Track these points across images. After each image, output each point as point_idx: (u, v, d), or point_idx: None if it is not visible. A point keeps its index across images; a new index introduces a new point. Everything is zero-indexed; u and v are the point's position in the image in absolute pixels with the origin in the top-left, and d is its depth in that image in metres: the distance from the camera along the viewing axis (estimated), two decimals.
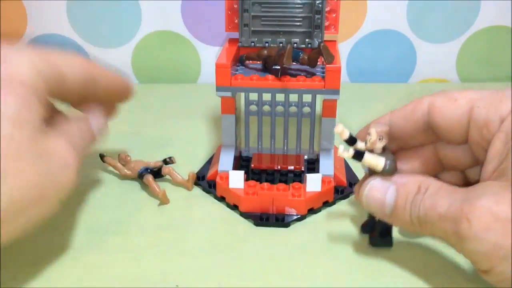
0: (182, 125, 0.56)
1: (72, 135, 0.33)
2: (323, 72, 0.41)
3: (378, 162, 0.32)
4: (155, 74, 0.70)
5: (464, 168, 0.34)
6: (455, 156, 0.33)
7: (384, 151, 0.32)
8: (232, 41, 0.44)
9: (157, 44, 0.68)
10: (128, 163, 0.45)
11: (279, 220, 0.39)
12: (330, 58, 0.38)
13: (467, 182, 0.34)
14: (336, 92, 0.40)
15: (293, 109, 0.45)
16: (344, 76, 0.70)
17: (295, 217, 0.39)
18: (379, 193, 0.31)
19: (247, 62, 0.44)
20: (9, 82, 0.28)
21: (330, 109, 0.42)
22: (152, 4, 0.66)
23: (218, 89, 0.40)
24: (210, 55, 0.69)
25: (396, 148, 0.35)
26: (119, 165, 0.45)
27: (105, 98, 0.38)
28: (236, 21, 0.43)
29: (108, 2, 0.66)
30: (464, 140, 0.31)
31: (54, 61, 0.32)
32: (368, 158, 0.32)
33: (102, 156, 0.46)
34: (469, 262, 0.29)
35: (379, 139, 0.32)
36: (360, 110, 0.59)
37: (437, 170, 0.35)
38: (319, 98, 0.42)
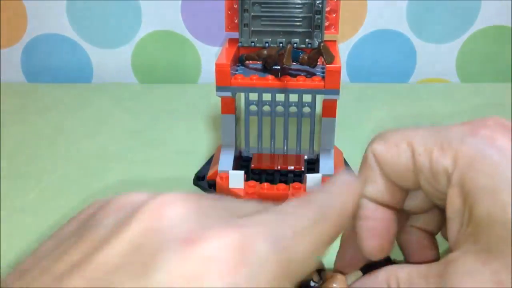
0: (182, 125, 0.56)
1: None
2: (323, 72, 0.41)
3: None
4: (155, 74, 0.70)
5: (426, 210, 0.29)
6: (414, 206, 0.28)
7: None
8: (232, 41, 0.44)
9: (157, 44, 0.68)
10: None
11: None
12: (330, 58, 0.38)
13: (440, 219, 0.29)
14: (336, 92, 0.40)
15: (293, 109, 0.45)
16: (344, 76, 0.70)
17: None
18: None
19: (247, 62, 0.44)
20: None
21: (330, 109, 0.42)
22: (152, 4, 0.66)
23: (218, 89, 0.40)
24: (210, 55, 0.68)
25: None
26: None
27: None
28: (236, 21, 0.43)
29: (108, 2, 0.66)
30: (418, 186, 0.27)
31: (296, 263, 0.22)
32: None
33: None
34: None
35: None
36: (360, 110, 0.59)
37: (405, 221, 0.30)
38: (319, 98, 0.42)
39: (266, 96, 0.45)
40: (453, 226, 0.25)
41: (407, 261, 0.29)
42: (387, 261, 0.28)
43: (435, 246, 0.29)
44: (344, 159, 0.47)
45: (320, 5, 0.41)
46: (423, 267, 0.25)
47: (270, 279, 0.19)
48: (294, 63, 0.40)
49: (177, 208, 0.20)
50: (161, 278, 0.18)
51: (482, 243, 0.23)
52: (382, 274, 0.27)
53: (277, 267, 0.19)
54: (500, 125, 0.24)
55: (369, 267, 0.28)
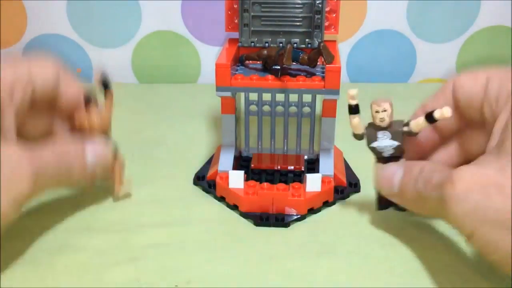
0: (182, 125, 0.56)
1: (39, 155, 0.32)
2: (323, 72, 0.41)
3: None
4: (155, 74, 0.70)
5: None
6: (477, 144, 0.35)
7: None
8: (232, 41, 0.44)
9: (157, 44, 0.68)
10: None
11: (279, 220, 0.39)
12: (330, 58, 0.38)
13: None
14: (336, 92, 0.40)
15: (293, 109, 0.45)
16: (344, 76, 0.70)
17: (295, 217, 0.39)
18: (389, 174, 0.35)
19: (247, 62, 0.44)
20: None
21: (330, 109, 0.42)
22: (152, 4, 0.66)
23: (218, 89, 0.40)
24: (210, 55, 0.69)
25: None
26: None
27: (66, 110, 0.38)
28: (236, 21, 0.43)
29: (108, 2, 0.66)
30: (481, 117, 0.33)
31: (24, 70, 0.33)
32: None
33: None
34: (466, 259, 0.29)
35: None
36: (360, 110, 0.59)
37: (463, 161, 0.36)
38: (319, 98, 0.43)
39: (266, 96, 0.45)
40: (492, 141, 0.30)
41: None
42: None
43: None
44: (344, 159, 0.47)
45: (320, 5, 0.41)
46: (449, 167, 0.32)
47: None
48: (294, 63, 0.40)
49: None
50: None
51: (505, 144, 0.28)
52: (424, 162, 0.34)
53: None
54: None
55: None
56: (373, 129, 0.37)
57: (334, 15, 0.42)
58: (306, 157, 0.46)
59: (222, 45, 0.45)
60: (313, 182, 0.40)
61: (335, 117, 0.42)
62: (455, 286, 0.33)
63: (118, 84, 0.69)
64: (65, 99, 0.37)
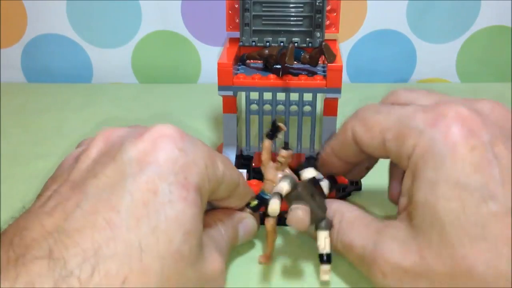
0: (182, 125, 0.56)
1: (219, 241, 0.32)
2: (324, 71, 0.41)
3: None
4: (155, 74, 0.70)
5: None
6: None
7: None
8: (232, 40, 0.44)
9: (157, 44, 0.68)
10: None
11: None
12: (332, 57, 0.38)
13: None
14: (338, 90, 0.40)
15: (294, 108, 0.45)
16: (344, 76, 0.69)
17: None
18: (302, 216, 0.32)
19: (247, 61, 0.44)
20: (186, 189, 0.27)
21: (331, 108, 0.42)
22: (152, 4, 0.66)
23: (220, 88, 0.40)
24: (210, 55, 0.68)
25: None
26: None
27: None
28: (237, 20, 0.43)
29: (108, 2, 0.66)
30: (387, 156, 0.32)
31: (219, 167, 0.30)
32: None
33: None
34: None
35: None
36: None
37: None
38: (320, 97, 0.43)
39: (267, 95, 0.45)
40: (403, 200, 0.30)
41: None
42: None
43: None
44: None
45: (321, 4, 0.41)
46: (368, 219, 0.32)
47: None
48: (295, 62, 0.40)
49: (121, 130, 0.30)
50: (125, 156, 0.27)
51: (416, 220, 0.28)
52: (335, 205, 0.34)
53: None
54: (459, 118, 0.28)
55: None
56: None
57: (334, 14, 0.42)
58: (307, 155, 0.46)
59: (222, 45, 0.45)
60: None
61: (336, 115, 0.42)
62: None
63: (118, 84, 0.70)
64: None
